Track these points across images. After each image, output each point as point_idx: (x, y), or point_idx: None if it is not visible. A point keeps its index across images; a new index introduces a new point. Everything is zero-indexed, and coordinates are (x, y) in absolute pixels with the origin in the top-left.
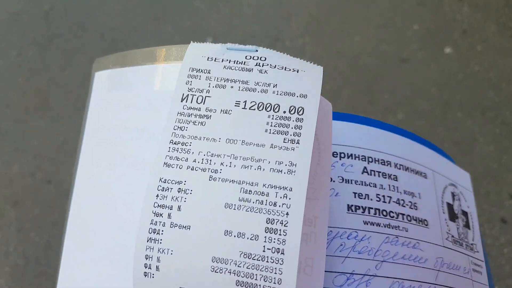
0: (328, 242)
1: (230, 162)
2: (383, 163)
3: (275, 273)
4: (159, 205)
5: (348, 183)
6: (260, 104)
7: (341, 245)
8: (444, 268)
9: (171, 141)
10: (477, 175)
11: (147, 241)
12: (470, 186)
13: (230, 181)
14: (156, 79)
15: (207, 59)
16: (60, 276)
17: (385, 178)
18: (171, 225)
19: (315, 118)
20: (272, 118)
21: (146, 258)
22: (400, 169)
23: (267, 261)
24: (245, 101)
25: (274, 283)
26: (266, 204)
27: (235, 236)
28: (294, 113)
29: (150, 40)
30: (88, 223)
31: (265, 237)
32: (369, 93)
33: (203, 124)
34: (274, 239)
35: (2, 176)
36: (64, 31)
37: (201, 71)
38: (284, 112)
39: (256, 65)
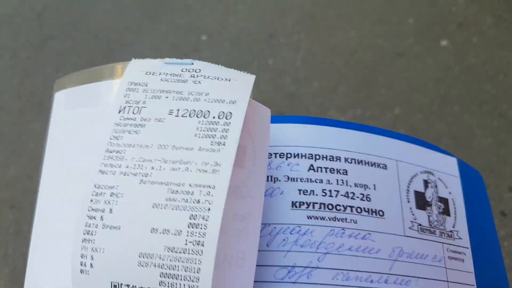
0: (271, 238)
1: (160, 166)
2: (331, 159)
3: (195, 263)
4: (93, 208)
5: (294, 181)
6: (192, 111)
7: (284, 240)
8: (403, 258)
9: (107, 150)
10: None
11: (82, 242)
12: (455, 171)
13: (159, 183)
14: (106, 95)
15: (146, 73)
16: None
17: (333, 173)
18: (103, 227)
19: (242, 122)
20: (202, 124)
21: (82, 257)
22: (351, 163)
23: (188, 253)
24: (178, 110)
25: (194, 272)
26: (190, 202)
27: (160, 232)
28: (222, 118)
29: (144, 40)
30: (44, 239)
31: (188, 231)
32: (365, 89)
33: (138, 132)
34: (196, 232)
35: None
36: (57, 32)
37: (139, 84)
38: (214, 117)
39: (191, 76)
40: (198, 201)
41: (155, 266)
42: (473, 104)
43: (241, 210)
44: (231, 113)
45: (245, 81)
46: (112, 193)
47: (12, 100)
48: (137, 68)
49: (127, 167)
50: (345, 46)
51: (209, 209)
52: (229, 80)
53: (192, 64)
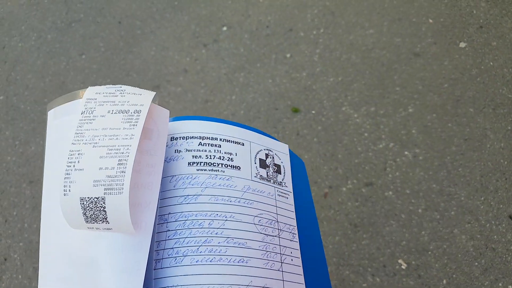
0: (176, 182)
1: (103, 138)
2: (212, 139)
3: (121, 182)
4: (69, 162)
5: (189, 151)
6: (120, 111)
7: (183, 183)
8: (250, 191)
9: (75, 133)
10: (486, 171)
11: (64, 179)
12: (287, 151)
13: (102, 146)
14: (75, 108)
15: (95, 93)
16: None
17: (212, 146)
18: (75, 170)
19: (145, 114)
20: (125, 116)
21: (64, 187)
22: (223, 141)
23: (118, 177)
24: (113, 110)
25: (121, 186)
26: (118, 153)
27: (104, 169)
28: (135, 113)
29: (166, 28)
30: (48, 183)
31: (117, 167)
32: (380, 86)
33: (91, 123)
34: (121, 167)
35: (19, 155)
36: (83, 16)
37: (92, 98)
38: (131, 113)
39: (120, 93)
40: (123, 153)
41: (101, 185)
42: (488, 107)
43: (150, 161)
44: (140, 110)
45: (149, 95)
46: (79, 153)
47: (36, 80)
48: (91, 91)
49: (86, 140)
50: (362, 43)
51: (128, 156)
52: (140, 94)
53: (121, 87)
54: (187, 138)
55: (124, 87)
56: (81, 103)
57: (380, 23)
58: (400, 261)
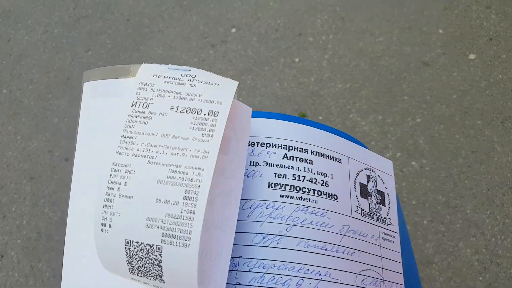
0: (251, 211)
1: (163, 151)
2: (301, 150)
3: (188, 227)
4: (112, 181)
5: (271, 166)
6: (188, 108)
7: (261, 213)
8: (350, 234)
9: (122, 136)
10: (493, 184)
11: (103, 207)
12: (391, 171)
13: (162, 164)
14: (122, 90)
15: (153, 76)
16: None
17: (302, 162)
18: (120, 196)
19: (226, 119)
20: (195, 119)
21: (102, 219)
22: (316, 155)
23: (183, 219)
24: (178, 106)
25: (187, 233)
26: (185, 180)
27: (163, 202)
28: (211, 115)
29: (174, 27)
30: (76, 205)
31: (183, 202)
32: (388, 94)
33: (146, 123)
34: (189, 203)
35: (20, 151)
36: (91, 12)
37: (148, 84)
38: (204, 114)
39: (188, 80)
40: (191, 179)
41: (158, 228)
42: (496, 120)
43: (225, 187)
44: (218, 111)
45: (230, 86)
46: (126, 170)
47: (40, 75)
48: (146, 71)
49: (138, 150)
50: (372, 50)
51: (199, 186)
52: (218, 85)
53: (190, 70)
54: (268, 145)
55: (193, 70)
56: (131, 86)
57: (390, 31)
58: None
